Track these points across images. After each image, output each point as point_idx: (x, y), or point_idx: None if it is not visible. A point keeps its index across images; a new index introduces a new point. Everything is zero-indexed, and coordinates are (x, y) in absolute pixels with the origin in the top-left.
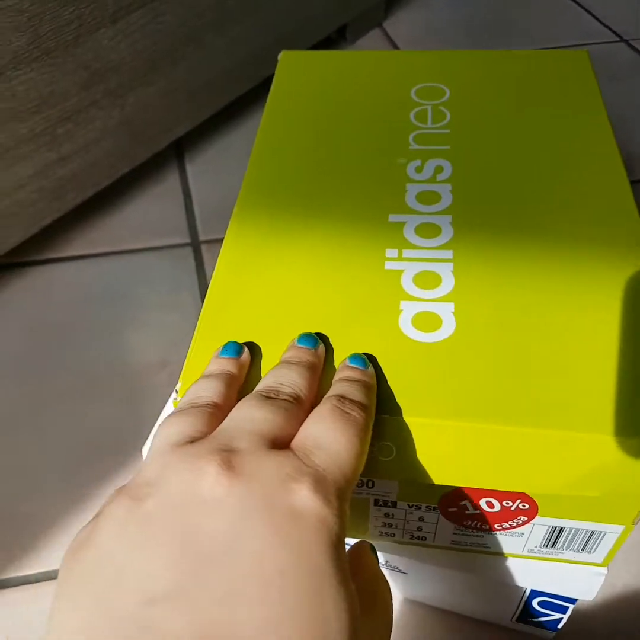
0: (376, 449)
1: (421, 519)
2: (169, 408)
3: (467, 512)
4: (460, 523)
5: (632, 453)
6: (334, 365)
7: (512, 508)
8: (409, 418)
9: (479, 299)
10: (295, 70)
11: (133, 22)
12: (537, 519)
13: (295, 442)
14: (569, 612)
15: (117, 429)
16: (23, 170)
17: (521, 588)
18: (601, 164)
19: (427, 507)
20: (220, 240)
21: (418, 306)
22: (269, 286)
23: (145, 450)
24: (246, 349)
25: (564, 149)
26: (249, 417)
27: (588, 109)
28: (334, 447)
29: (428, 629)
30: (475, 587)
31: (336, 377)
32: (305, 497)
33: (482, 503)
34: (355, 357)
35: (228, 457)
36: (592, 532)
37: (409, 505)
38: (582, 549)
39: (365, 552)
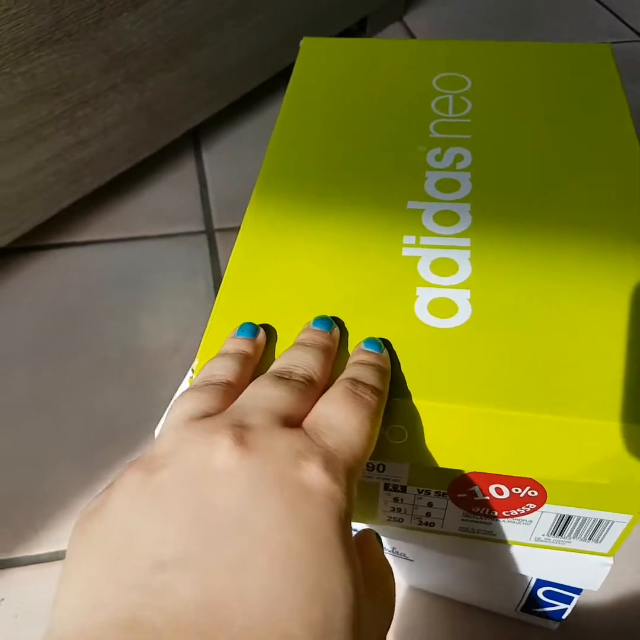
0: (388, 432)
1: (430, 504)
2: (184, 386)
3: (476, 498)
4: (468, 509)
5: None
6: (348, 349)
7: (521, 495)
8: (421, 402)
9: (495, 286)
10: (317, 56)
11: (155, 7)
12: (546, 507)
13: (307, 422)
14: (573, 603)
15: (130, 412)
16: (41, 153)
17: (527, 577)
18: (621, 157)
19: (436, 492)
20: (235, 229)
21: (434, 292)
22: (286, 269)
23: (158, 430)
24: (262, 330)
25: (583, 141)
26: (263, 394)
27: (609, 102)
28: (345, 428)
29: (432, 616)
30: (481, 576)
31: (350, 360)
32: (314, 474)
33: (491, 489)
34: (370, 341)
35: (241, 432)
36: (600, 521)
37: (418, 490)
38: (589, 538)
39: (371, 540)
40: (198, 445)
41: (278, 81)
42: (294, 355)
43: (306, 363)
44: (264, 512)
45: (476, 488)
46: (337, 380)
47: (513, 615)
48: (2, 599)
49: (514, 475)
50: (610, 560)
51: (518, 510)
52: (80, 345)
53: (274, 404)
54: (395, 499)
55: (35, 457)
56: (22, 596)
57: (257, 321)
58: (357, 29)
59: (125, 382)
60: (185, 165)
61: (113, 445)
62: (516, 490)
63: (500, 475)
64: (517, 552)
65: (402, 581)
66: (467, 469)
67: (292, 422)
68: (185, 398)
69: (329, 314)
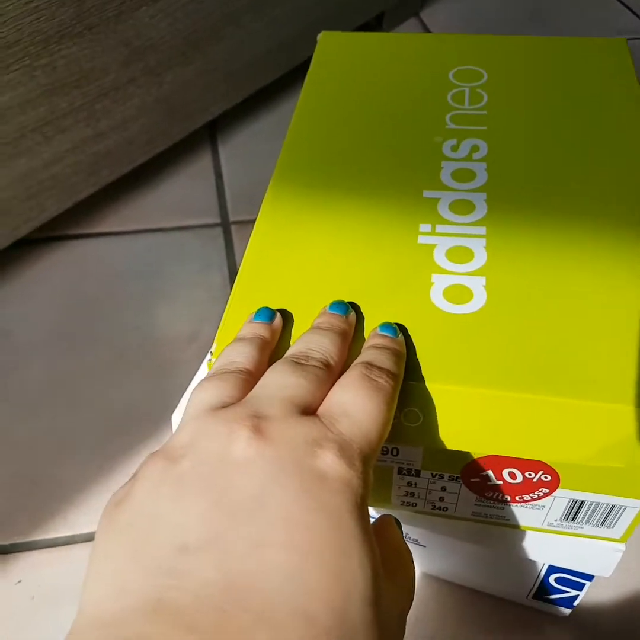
0: (403, 415)
1: (443, 488)
2: (203, 369)
3: (489, 482)
4: (482, 494)
5: None
6: (365, 335)
7: (534, 479)
8: (436, 385)
9: (510, 273)
10: (334, 50)
11: (174, 1)
12: (559, 492)
13: (322, 409)
14: (585, 590)
15: (146, 401)
16: (61, 144)
17: (538, 564)
18: (635, 149)
19: (450, 476)
20: (250, 222)
21: (450, 279)
22: (304, 256)
23: (174, 417)
24: (279, 315)
25: (598, 133)
26: (280, 383)
27: (624, 95)
28: (359, 415)
29: (441, 603)
30: (493, 562)
31: (366, 344)
32: (330, 462)
33: (505, 474)
34: (385, 325)
35: (258, 422)
36: (613, 506)
37: (432, 474)
38: (602, 524)
39: (390, 524)
40: (218, 436)
41: (294, 76)
42: (310, 339)
43: (323, 347)
44: (281, 497)
45: (489, 472)
46: (353, 364)
47: (525, 602)
48: (20, 581)
49: (528, 458)
50: (622, 547)
51: (531, 494)
52: (97, 334)
53: (290, 392)
54: (409, 483)
55: (53, 443)
56: (38, 579)
57: (274, 306)
58: (374, 25)
59: (142, 371)
60: (201, 159)
61: (129, 432)
62: (529, 474)
63: (514, 459)
64: (530, 538)
65: (415, 567)
66: (481, 452)
67: (308, 409)
68: (204, 386)
69: (346, 299)
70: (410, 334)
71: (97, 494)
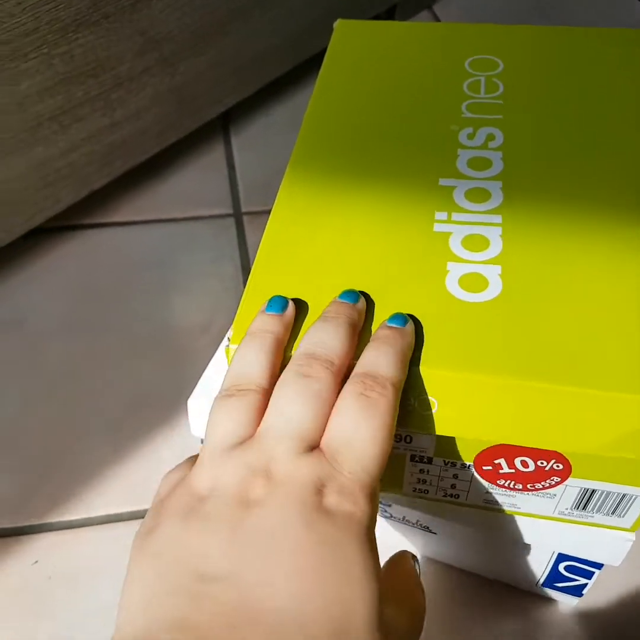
0: (417, 403)
1: (455, 476)
2: (220, 356)
3: (501, 471)
4: (494, 482)
5: None
6: (378, 323)
7: (546, 468)
8: (450, 373)
9: (526, 262)
10: (350, 38)
11: None
12: (570, 481)
13: (325, 441)
14: (594, 578)
15: (159, 387)
16: (77, 133)
17: (548, 551)
18: None
19: (462, 464)
20: (262, 213)
21: (465, 268)
22: (319, 243)
23: (190, 403)
24: (291, 304)
25: (614, 123)
26: (286, 417)
27: None
28: (357, 444)
29: (450, 589)
30: (503, 549)
31: (372, 337)
32: (334, 500)
33: (517, 462)
34: (394, 316)
35: (269, 467)
36: (624, 496)
37: (444, 461)
38: (613, 513)
39: (406, 558)
40: (235, 484)
41: (306, 69)
42: (316, 335)
43: (328, 344)
44: (291, 533)
45: (502, 461)
46: (351, 375)
47: (534, 590)
48: (36, 562)
49: (541, 447)
50: (632, 536)
51: (542, 483)
52: (110, 323)
53: (296, 426)
54: (421, 471)
55: (68, 428)
56: (55, 559)
57: (290, 293)
58: (386, 17)
59: (155, 359)
60: (214, 150)
61: (143, 417)
62: (541, 463)
63: (526, 448)
64: (540, 526)
65: (425, 554)
66: (494, 440)
67: (313, 442)
68: (219, 417)
69: (361, 288)
70: (425, 322)
71: (112, 477)
